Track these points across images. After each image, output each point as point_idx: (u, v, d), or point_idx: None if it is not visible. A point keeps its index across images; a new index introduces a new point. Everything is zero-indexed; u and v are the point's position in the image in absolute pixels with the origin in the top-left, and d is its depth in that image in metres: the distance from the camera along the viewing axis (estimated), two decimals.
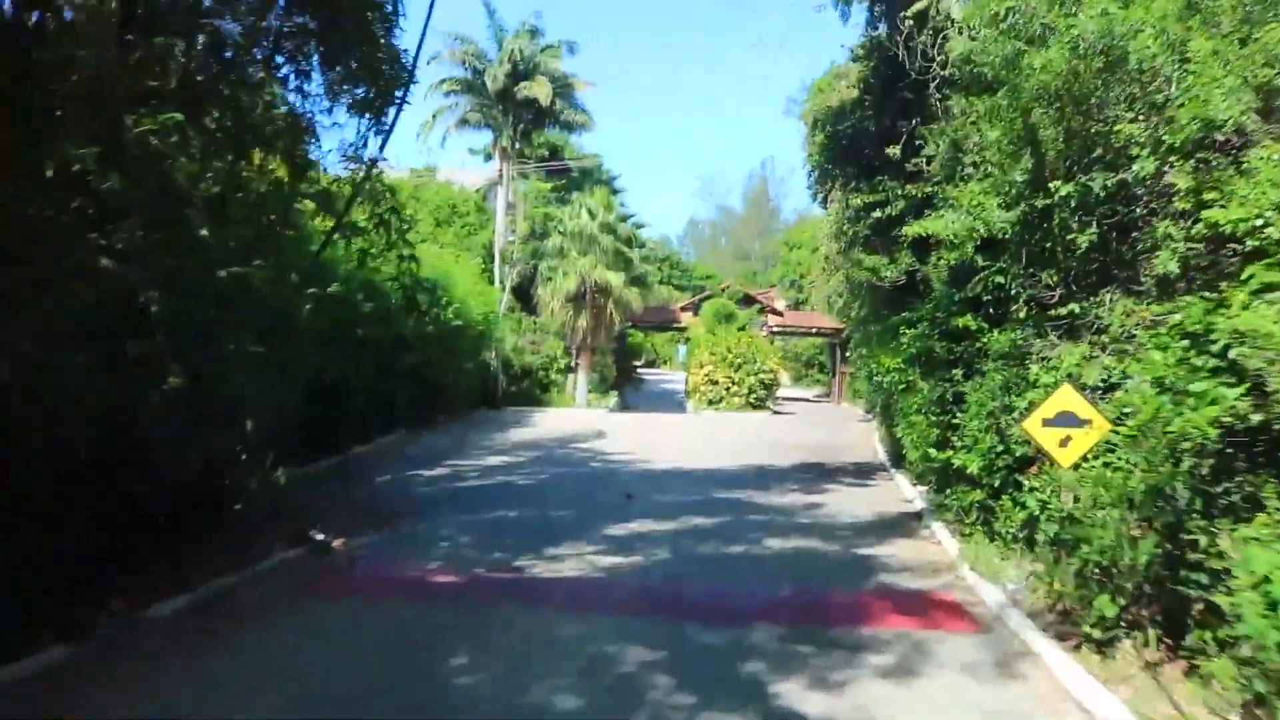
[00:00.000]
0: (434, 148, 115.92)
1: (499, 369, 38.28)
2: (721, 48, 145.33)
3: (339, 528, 13.43)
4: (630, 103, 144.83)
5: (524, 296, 42.09)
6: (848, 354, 41.71)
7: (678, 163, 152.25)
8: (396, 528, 13.84)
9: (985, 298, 12.69)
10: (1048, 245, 10.73)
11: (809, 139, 23.28)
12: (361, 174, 13.41)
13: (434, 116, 45.23)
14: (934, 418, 15.87)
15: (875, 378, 33.45)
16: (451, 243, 43.99)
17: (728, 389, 39.00)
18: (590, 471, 20.72)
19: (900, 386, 17.99)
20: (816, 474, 21.01)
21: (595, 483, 19.00)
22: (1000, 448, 11.73)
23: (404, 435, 26.13)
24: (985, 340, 12.61)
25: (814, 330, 52.68)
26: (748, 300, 48.86)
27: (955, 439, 13.06)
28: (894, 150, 16.63)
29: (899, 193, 16.20)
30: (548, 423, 32.77)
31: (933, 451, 13.22)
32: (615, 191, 40.90)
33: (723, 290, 49.31)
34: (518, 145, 46.89)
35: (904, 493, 18.22)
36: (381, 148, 13.58)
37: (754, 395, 39.07)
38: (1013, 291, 11.95)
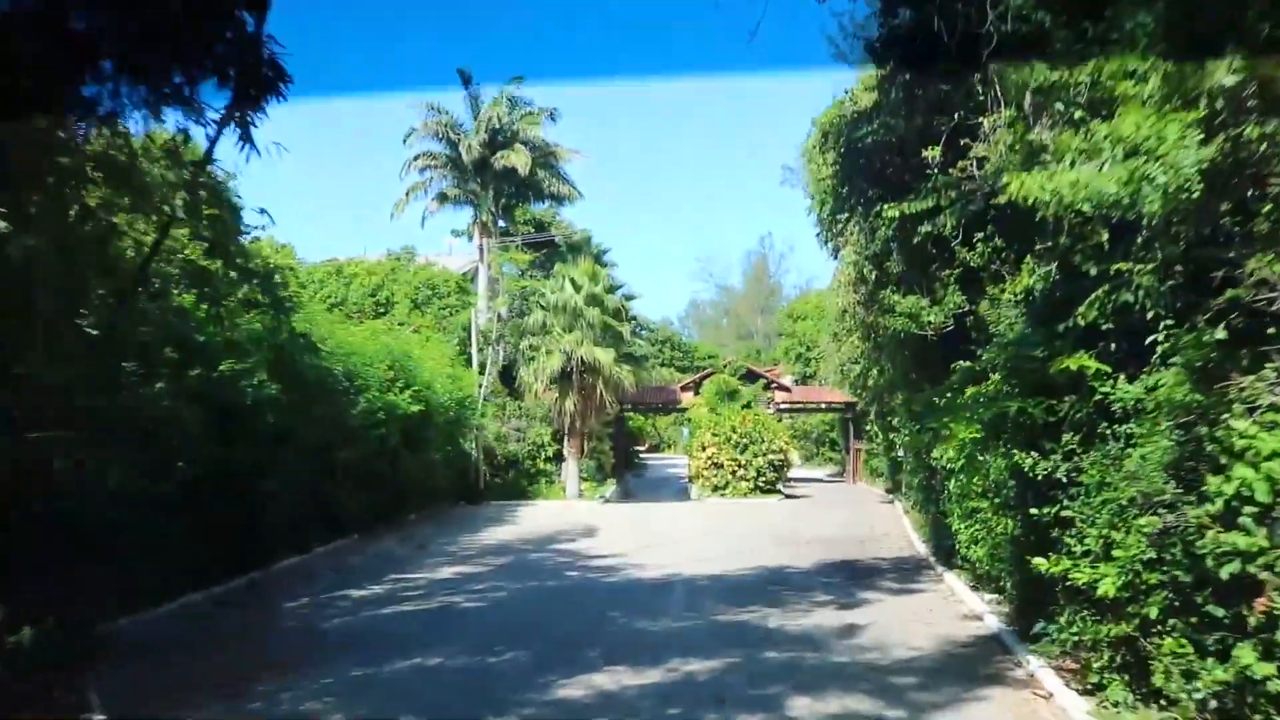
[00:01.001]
0: (415, 229, 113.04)
1: (479, 459, 33.79)
2: (716, 124, 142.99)
3: (164, 691, 9.03)
4: (624, 186, 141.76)
5: (509, 380, 37.78)
6: (867, 428, 37.09)
7: (676, 245, 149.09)
8: (247, 694, 9.26)
9: (1104, 325, 8.28)
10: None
11: (815, 167, 19.11)
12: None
13: (407, 194, 41.73)
14: (1009, 505, 11.44)
15: (898, 453, 28.98)
16: (429, 325, 39.95)
17: (734, 472, 34.39)
18: (563, 585, 16.14)
19: (957, 464, 13.60)
20: (846, 576, 16.42)
21: (565, 603, 14.44)
22: (1152, 554, 7.24)
23: (354, 541, 21.65)
24: (1110, 391, 8.19)
25: (824, 405, 48.16)
26: (751, 376, 44.41)
27: (1069, 539, 8.53)
28: (932, 152, 12.36)
29: (953, 195, 11.85)
30: (531, 519, 28.17)
31: (1037, 561, 8.58)
32: (605, 264, 36.84)
33: (724, 366, 44.91)
34: (499, 221, 43.07)
35: (965, 602, 13.63)
36: (208, 152, 9.26)
37: (763, 478, 34.47)
38: (1154, 311, 7.55)
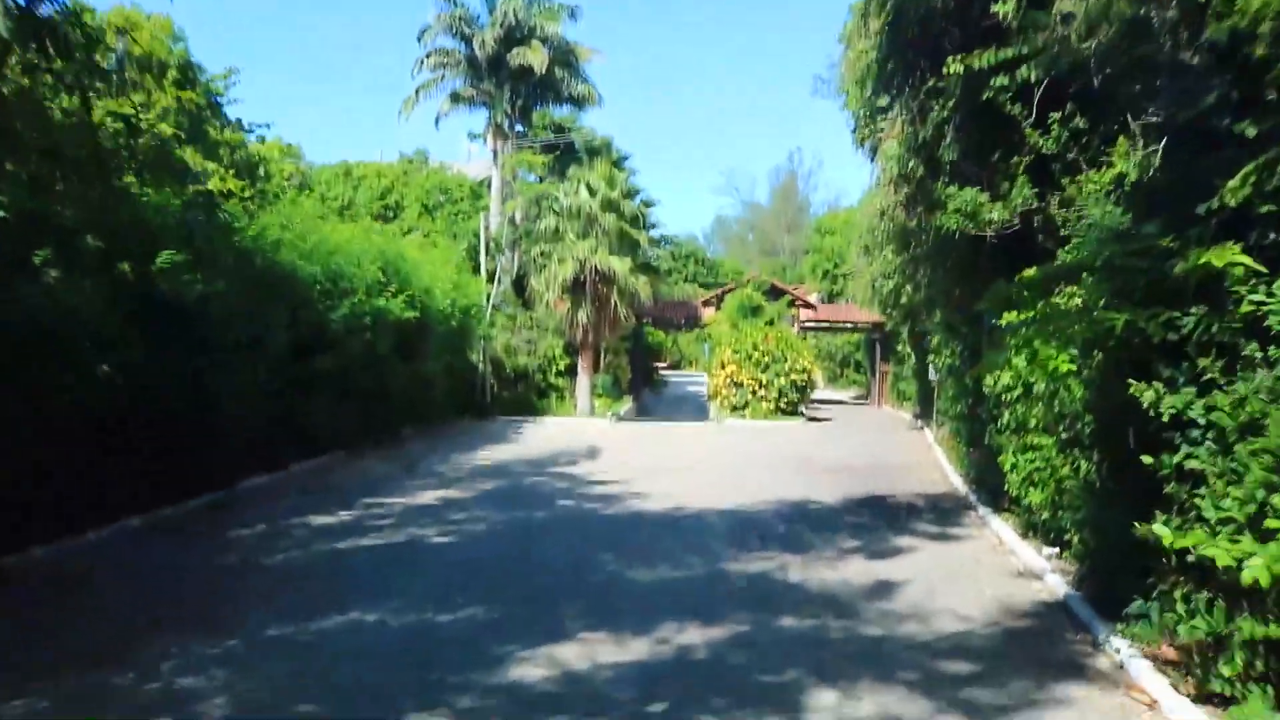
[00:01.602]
0: (432, 134, 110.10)
1: (486, 372, 31.71)
2: (743, 30, 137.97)
3: (26, 648, 7.05)
4: (648, 97, 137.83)
5: (522, 290, 35.56)
6: (897, 348, 34.67)
7: (702, 159, 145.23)
8: (124, 659, 7.19)
9: (1264, 208, 5.93)
10: None
11: (853, 53, 16.47)
12: None
13: (417, 92, 39.02)
14: (1083, 444, 9.21)
15: (932, 376, 26.63)
16: (439, 230, 37.71)
17: (754, 392, 32.20)
18: (553, 517, 14.03)
19: (1014, 391, 11.36)
20: (876, 515, 14.24)
21: (550, 540, 12.32)
22: None
23: (338, 458, 19.68)
24: (1269, 300, 5.86)
25: (850, 325, 45.75)
26: (775, 292, 42.04)
27: (1199, 500, 6.25)
28: (1004, 5, 9.79)
29: (1039, 43, 9.28)
30: (536, 436, 26.16)
31: (1156, 531, 6.27)
32: (624, 169, 34.23)
33: (748, 282, 42.50)
34: (516, 125, 40.41)
35: (1018, 555, 11.42)
36: None
37: (785, 399, 32.28)
38: None
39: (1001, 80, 9.73)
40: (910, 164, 13.99)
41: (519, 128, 40.61)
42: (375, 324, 20.55)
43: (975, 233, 11.69)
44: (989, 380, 12.16)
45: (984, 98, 10.83)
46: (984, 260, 14.04)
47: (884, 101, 14.33)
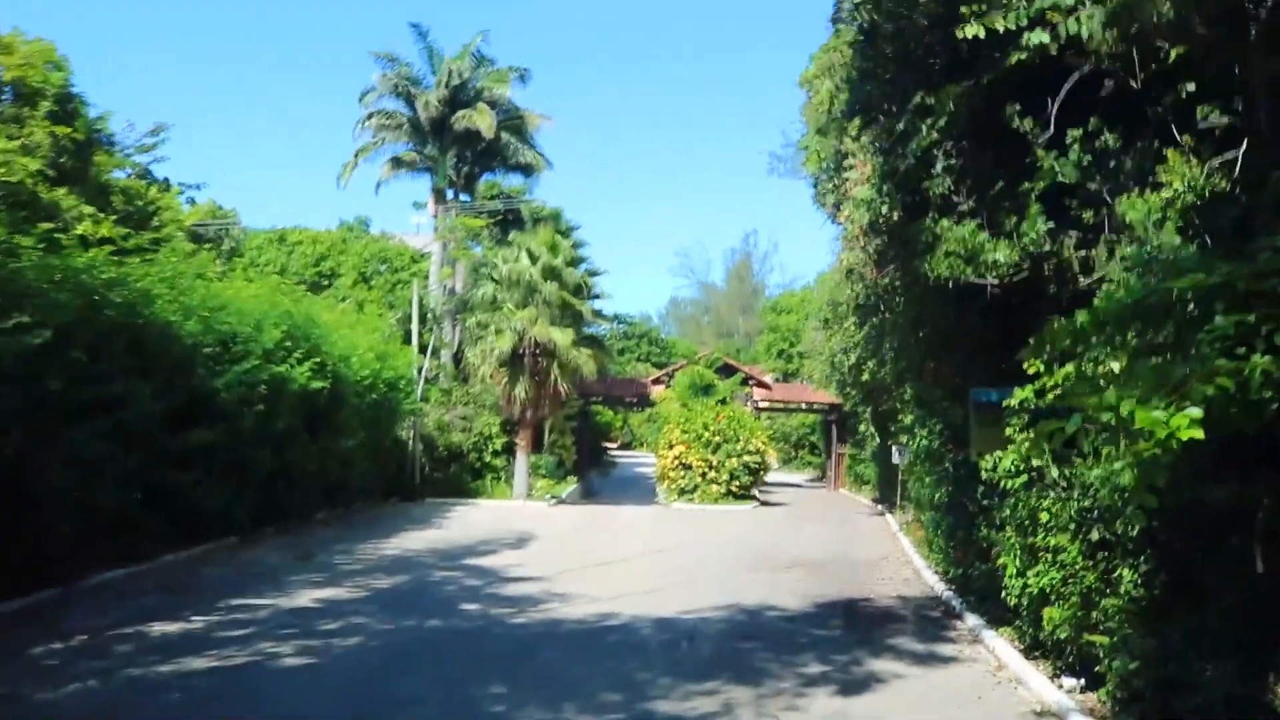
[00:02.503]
0: (376, 202, 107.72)
1: (416, 451, 28.83)
2: (699, 109, 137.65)
3: None
4: (603, 175, 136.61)
5: (461, 363, 32.92)
6: (860, 428, 32.07)
7: (658, 239, 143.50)
8: None
9: None
10: None
11: (817, 97, 14.26)
12: None
13: (356, 156, 36.52)
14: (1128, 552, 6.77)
15: (897, 458, 24.14)
16: (375, 299, 35.11)
17: (704, 474, 29.51)
18: (448, 628, 11.15)
19: (1016, 480, 8.92)
20: (845, 626, 11.56)
21: (433, 663, 9.49)
22: None
23: (229, 545, 16.84)
24: None
25: (805, 406, 43.31)
26: (728, 370, 39.58)
27: None
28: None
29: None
30: (463, 522, 23.28)
31: None
32: (570, 236, 31.64)
33: (700, 359, 40.07)
34: (461, 194, 38.07)
35: (1027, 683, 8.79)
36: None
37: (736, 482, 29.61)
38: None
39: (1025, 48, 7.22)
40: (885, 207, 11.61)
41: (464, 196, 38.27)
42: (273, 393, 17.77)
43: (971, 281, 9.25)
44: (985, 463, 9.65)
45: (985, 112, 8.51)
46: (973, 322, 11.69)
47: (854, 132, 11.99)
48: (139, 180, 24.77)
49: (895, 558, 18.10)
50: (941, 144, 9.35)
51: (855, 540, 21.25)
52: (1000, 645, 10.13)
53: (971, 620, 11.50)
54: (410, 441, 28.67)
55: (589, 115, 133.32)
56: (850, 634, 11.03)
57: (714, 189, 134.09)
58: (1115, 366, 7.09)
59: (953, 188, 9.45)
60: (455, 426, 30.33)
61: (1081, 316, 5.39)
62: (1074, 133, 8.41)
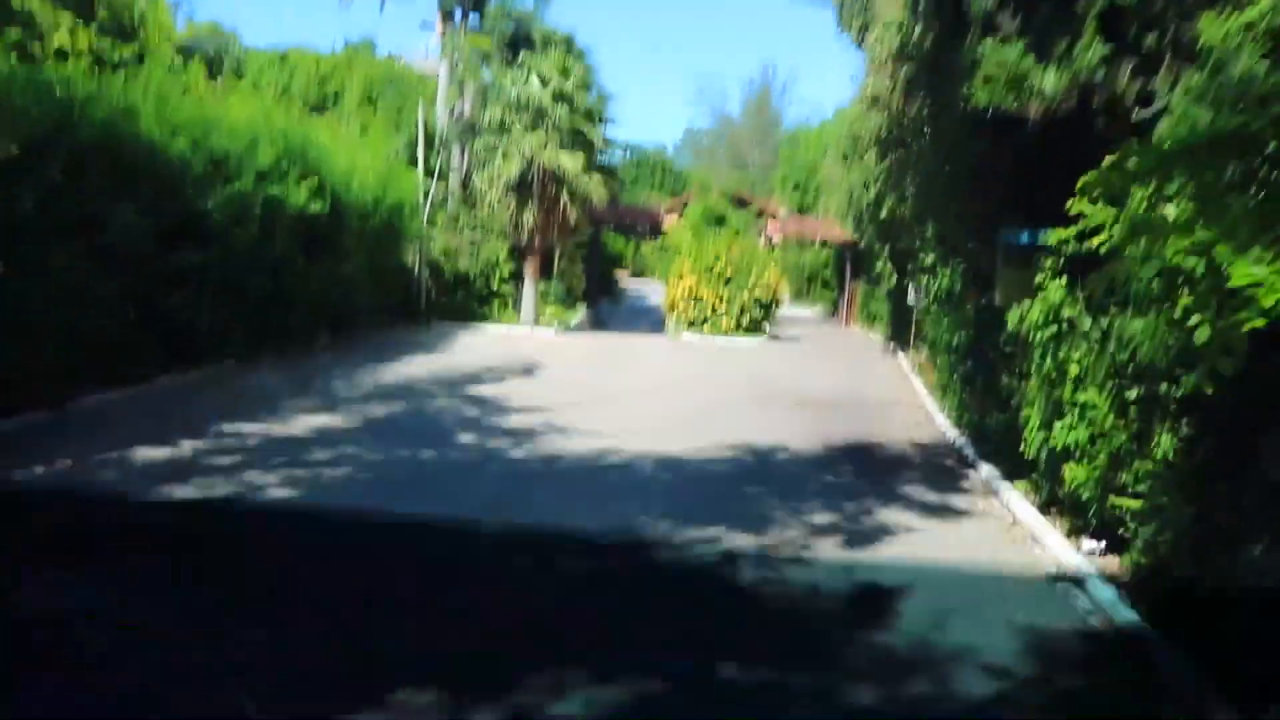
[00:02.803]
0: (384, 26, 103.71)
1: (423, 276, 28.18)
2: None
3: None
4: (619, 4, 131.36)
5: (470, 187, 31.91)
6: (878, 265, 31.15)
7: (675, 67, 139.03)
8: None
9: None
10: None
11: None
12: None
13: None
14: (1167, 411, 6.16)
15: (913, 299, 23.46)
16: (381, 122, 33.84)
17: (714, 307, 28.91)
18: (444, 460, 10.74)
19: (1045, 331, 8.29)
20: (856, 471, 11.12)
21: (424, 496, 9.11)
22: None
23: (228, 369, 16.39)
24: None
25: (821, 241, 42.37)
26: (742, 203, 38.54)
27: None
28: None
29: None
30: (468, 348, 22.85)
31: None
32: (580, 59, 30.19)
33: (713, 190, 38.97)
34: (469, 12, 36.15)
35: (1043, 543, 8.38)
36: None
37: (748, 316, 29.03)
38: None
39: None
40: (919, 29, 10.59)
41: (473, 16, 36.41)
42: (269, 215, 17.03)
43: (1012, 111, 8.34)
44: (1011, 315, 8.97)
45: None
46: (1007, 158, 10.79)
47: None
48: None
49: (908, 400, 17.64)
50: None
51: (867, 379, 20.80)
52: (1015, 499, 9.69)
53: (986, 470, 11.05)
54: (416, 266, 28.00)
55: None
56: (861, 480, 10.59)
57: (733, 17, 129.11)
58: (1170, 211, 6.36)
59: (997, 3, 8.44)
60: (463, 252, 29.56)
61: (1139, 150, 4.61)
62: None
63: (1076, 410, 8.12)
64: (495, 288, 29.78)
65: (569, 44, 31.34)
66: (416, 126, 30.09)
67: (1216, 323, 3.80)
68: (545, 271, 32.34)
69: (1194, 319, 4.02)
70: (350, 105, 35.74)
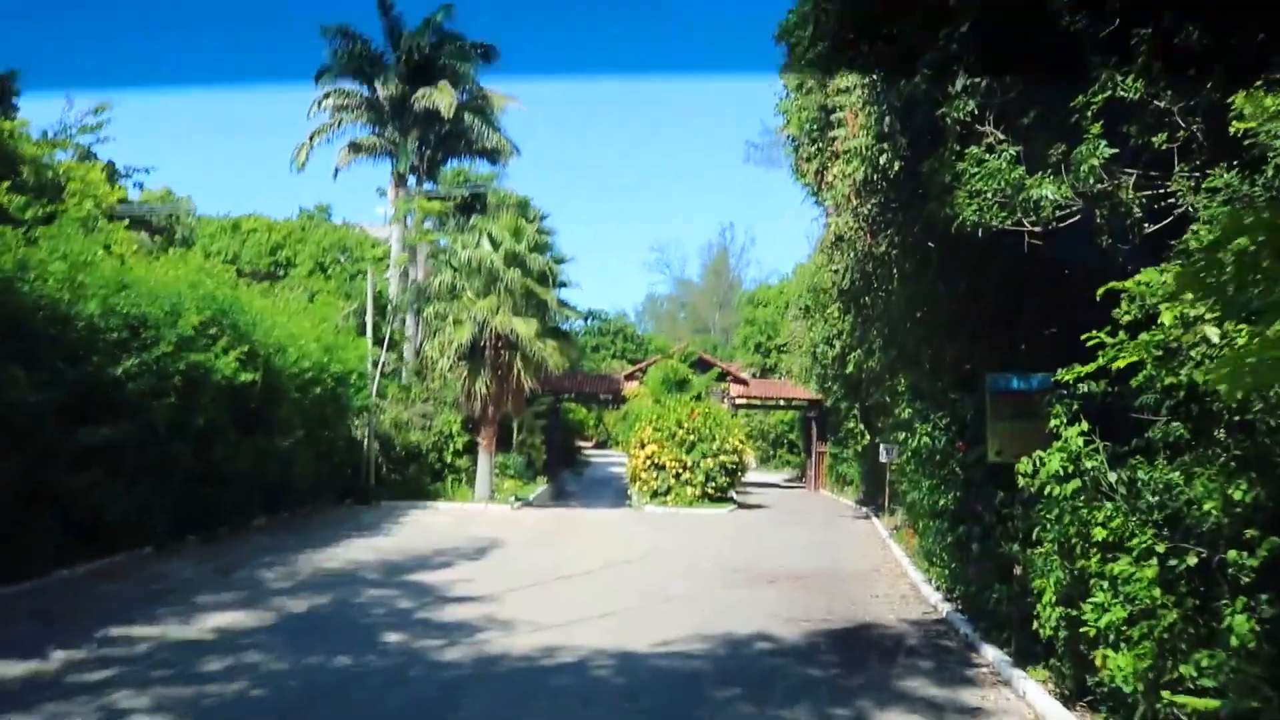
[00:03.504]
0: (340, 192, 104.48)
1: (371, 450, 26.65)
2: (673, 106, 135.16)
3: None
4: (575, 173, 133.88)
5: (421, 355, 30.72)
6: (848, 425, 29.90)
7: (633, 235, 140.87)
8: None
9: None
10: None
11: (799, 45, 12.21)
12: None
13: (311, 139, 34.22)
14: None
15: (886, 458, 22.17)
16: (332, 290, 32.92)
17: (677, 475, 27.46)
18: (355, 666, 9.00)
19: (1065, 487, 6.96)
20: (844, 663, 9.47)
21: (328, 715, 7.45)
22: None
23: (142, 556, 14.86)
24: None
25: (784, 402, 41.39)
26: (703, 365, 37.60)
27: None
28: None
29: None
30: (418, 527, 21.21)
31: None
32: (535, 222, 29.49)
33: (674, 353, 38.09)
34: (424, 181, 35.85)
35: None
36: None
37: (712, 483, 27.60)
38: None
39: None
40: (885, 156, 9.62)
41: (428, 184, 36.06)
42: (192, 385, 15.65)
43: (1004, 229, 7.22)
44: (1022, 466, 7.63)
45: (1022, 12, 6.52)
46: (987, 294, 9.74)
47: (843, 83, 9.99)
48: (80, 162, 22.64)
49: (889, 569, 16.15)
50: (961, 58, 7.32)
51: (843, 548, 19.29)
52: (1033, 691, 8.15)
53: (992, 653, 9.51)
54: (365, 440, 26.51)
55: (561, 107, 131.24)
56: (850, 673, 9.01)
57: (690, 184, 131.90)
58: (1212, 334, 5.24)
59: (976, 112, 7.43)
60: (414, 424, 28.16)
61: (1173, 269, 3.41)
62: (1141, 31, 6.44)
63: (1103, 582, 6.74)
64: (449, 461, 28.28)
65: (524, 207, 30.82)
66: (366, 295, 29.07)
67: None
68: (504, 443, 30.92)
69: None
70: (301, 273, 34.86)
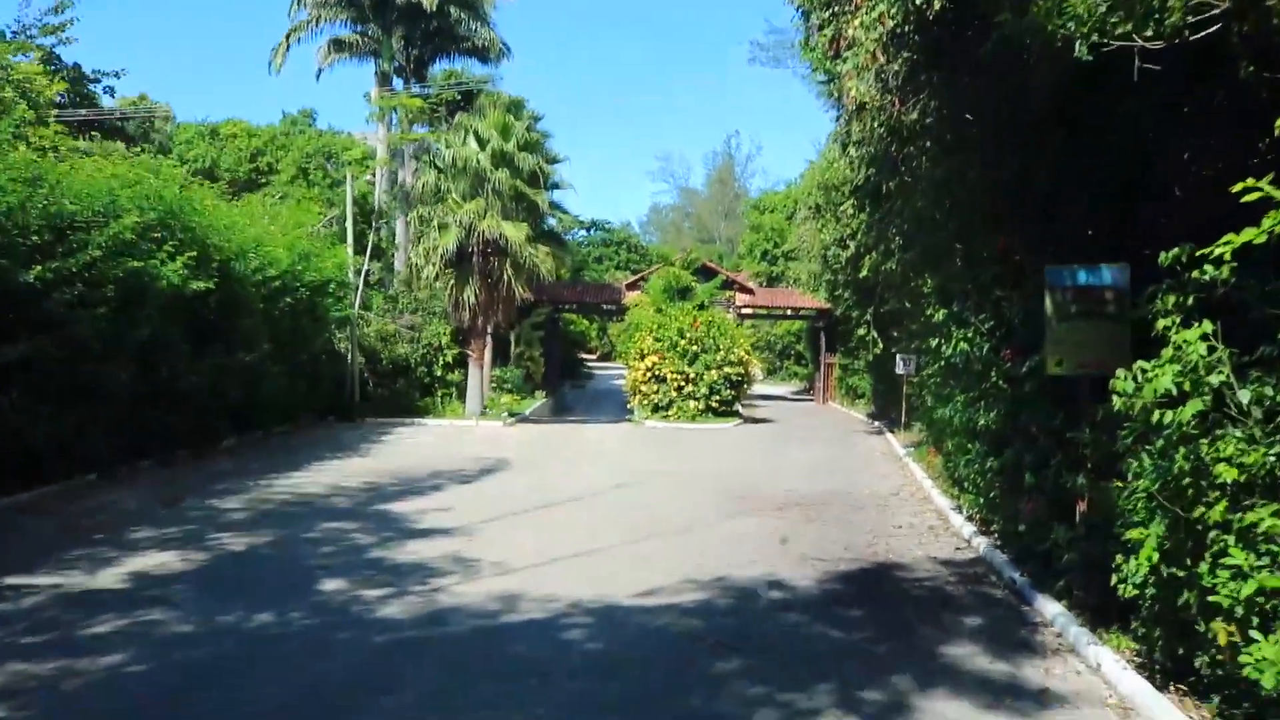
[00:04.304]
0: (323, 95, 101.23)
1: (356, 365, 24.92)
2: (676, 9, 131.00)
3: None
4: (578, 80, 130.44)
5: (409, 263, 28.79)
6: (860, 332, 27.94)
7: (637, 145, 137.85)
8: None
9: None
10: None
11: None
12: None
13: (287, 38, 31.85)
14: None
15: (910, 371, 20.28)
16: (314, 196, 30.88)
17: (679, 388, 25.73)
18: (274, 631, 7.24)
19: (1181, 413, 4.99)
20: (873, 626, 7.66)
21: (218, 697, 5.75)
22: None
23: (81, 484, 13.36)
24: None
25: (792, 312, 39.46)
26: (707, 273, 35.62)
27: None
28: None
29: None
30: (396, 447, 19.55)
31: None
32: (525, 119, 27.26)
33: (676, 260, 36.10)
34: (412, 81, 33.59)
35: None
36: None
37: (716, 397, 25.88)
38: None
39: None
40: None
41: (417, 87, 33.76)
42: (132, 295, 13.84)
43: (1111, 40, 5.23)
44: (1121, 383, 5.75)
45: None
46: (1044, 172, 7.79)
47: None
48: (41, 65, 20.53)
49: (910, 493, 14.43)
50: None
51: (857, 468, 17.57)
52: (1111, 664, 6.39)
53: (1049, 608, 7.75)
54: (348, 354, 24.77)
55: (563, 12, 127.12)
56: (879, 636, 7.24)
57: (695, 89, 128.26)
58: None
59: None
60: (401, 337, 26.40)
61: None
62: None
63: (1233, 540, 4.96)
64: (439, 374, 26.57)
65: (517, 107, 28.57)
66: (357, 204, 27.05)
67: None
68: (502, 356, 29.23)
69: None
70: (283, 179, 32.78)
